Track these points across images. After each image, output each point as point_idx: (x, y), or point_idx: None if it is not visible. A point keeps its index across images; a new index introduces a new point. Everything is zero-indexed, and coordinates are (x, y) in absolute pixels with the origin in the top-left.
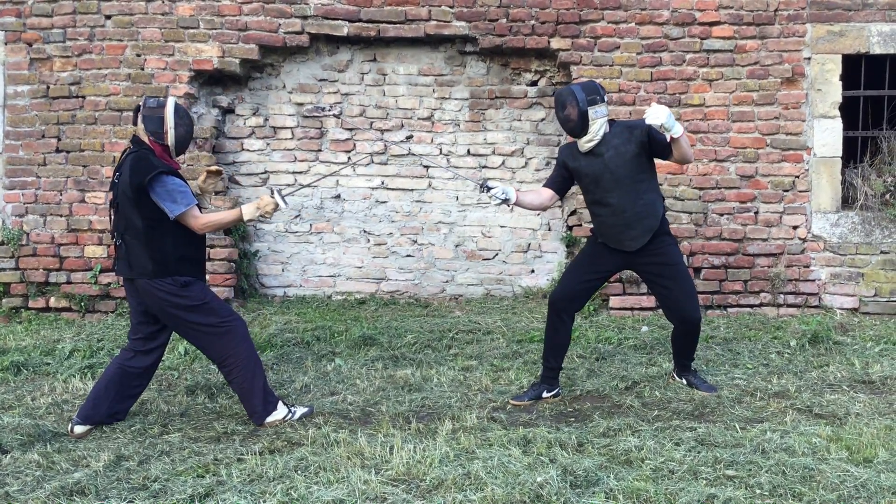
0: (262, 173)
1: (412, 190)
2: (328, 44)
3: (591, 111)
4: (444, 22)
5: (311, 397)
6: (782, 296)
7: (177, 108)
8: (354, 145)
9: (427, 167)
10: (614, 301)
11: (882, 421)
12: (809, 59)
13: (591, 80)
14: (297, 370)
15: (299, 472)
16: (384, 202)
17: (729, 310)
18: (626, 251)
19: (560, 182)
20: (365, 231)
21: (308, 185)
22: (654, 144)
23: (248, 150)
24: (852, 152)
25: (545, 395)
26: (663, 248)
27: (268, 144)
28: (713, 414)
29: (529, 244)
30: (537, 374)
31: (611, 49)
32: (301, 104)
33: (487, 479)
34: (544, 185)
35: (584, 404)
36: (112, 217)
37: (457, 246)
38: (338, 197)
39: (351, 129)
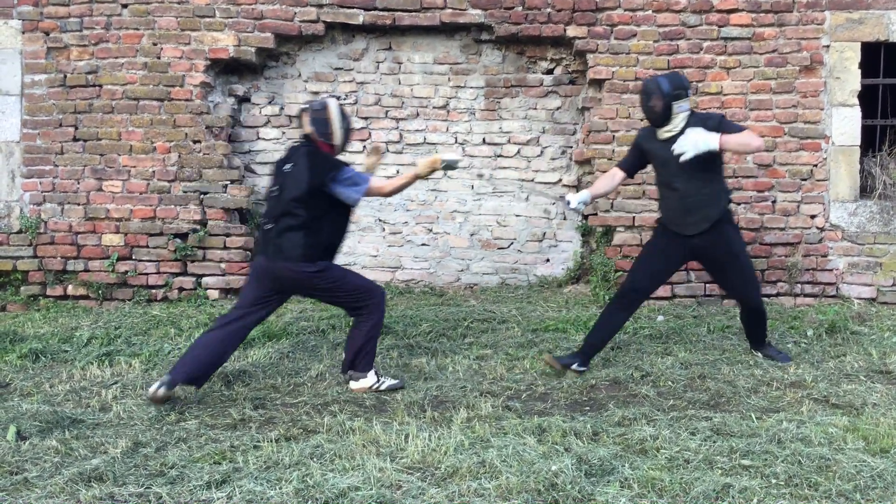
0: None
1: (427, 179)
2: (343, 32)
3: (676, 105)
4: (460, 10)
5: (327, 385)
6: (799, 285)
7: (339, 108)
8: (370, 134)
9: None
10: None
11: None
12: (828, 46)
13: (676, 73)
14: (312, 358)
15: (315, 459)
16: None
17: None
18: (686, 235)
19: (633, 163)
20: (380, 220)
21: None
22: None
23: (263, 138)
24: (871, 141)
25: (575, 367)
26: (723, 236)
27: (283, 133)
28: (729, 403)
29: (545, 233)
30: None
31: (627, 37)
32: (317, 93)
33: (502, 468)
34: (617, 166)
35: (599, 393)
36: (270, 203)
37: (472, 235)
38: None
39: (366, 118)
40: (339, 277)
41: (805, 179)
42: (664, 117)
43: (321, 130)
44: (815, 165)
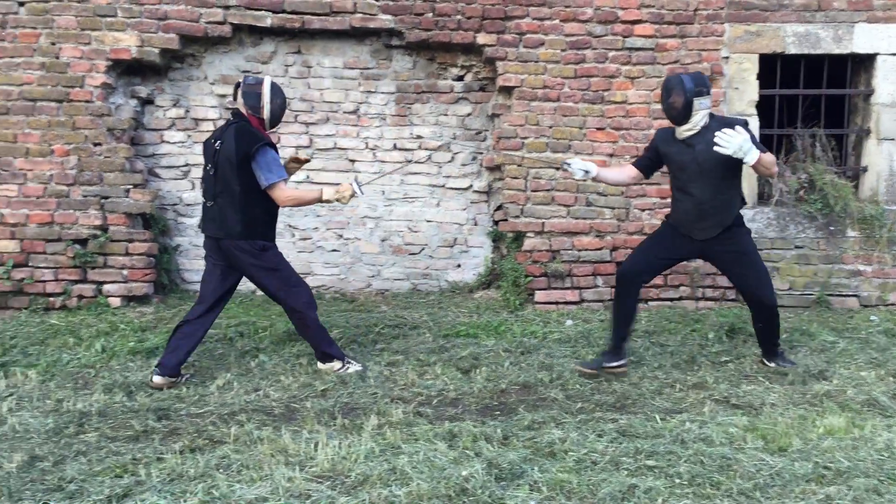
0: (182, 166)
1: (338, 184)
2: (251, 35)
3: (696, 101)
4: (370, 15)
5: (234, 394)
6: (701, 289)
7: (273, 85)
8: (279, 138)
9: (353, 161)
10: (539, 295)
11: (796, 411)
12: (727, 58)
13: (699, 72)
14: (219, 367)
15: (221, 470)
16: None
17: (650, 303)
18: (695, 239)
19: (648, 163)
20: (290, 226)
21: (386, 174)
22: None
23: (168, 142)
24: (768, 149)
25: (606, 364)
26: (735, 237)
27: (189, 136)
28: (634, 405)
29: (455, 239)
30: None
31: (536, 45)
32: (223, 96)
33: (413, 474)
34: (631, 163)
35: (509, 398)
36: (207, 181)
37: (383, 240)
38: None
39: None
40: (277, 261)
41: None
42: (684, 114)
43: (251, 104)
44: None
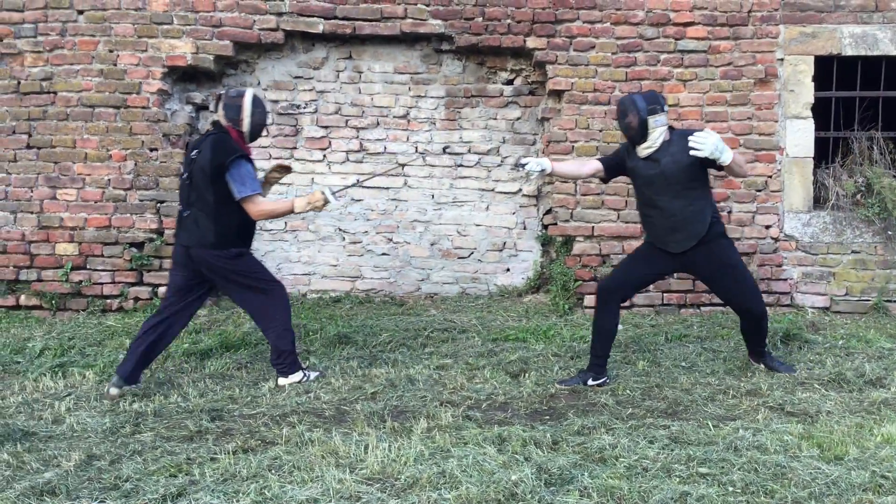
0: None
1: (388, 188)
2: (303, 41)
3: (651, 120)
4: (420, 20)
5: (285, 396)
6: None
7: (254, 98)
8: (330, 143)
9: (403, 165)
10: (589, 300)
11: (853, 419)
12: (782, 60)
13: (652, 90)
14: (271, 369)
15: (273, 471)
16: (359, 200)
17: (702, 308)
18: (673, 252)
19: (613, 164)
20: (340, 229)
21: (356, 185)
22: (707, 158)
23: None
24: (824, 153)
25: (590, 382)
26: (716, 249)
27: None
28: (686, 412)
29: (505, 243)
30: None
31: (586, 49)
32: (276, 101)
33: (462, 478)
34: (597, 159)
35: (559, 402)
36: (182, 190)
37: (432, 244)
38: None
39: (326, 127)
40: (252, 264)
41: (760, 190)
42: (641, 134)
43: (231, 116)
44: (770, 177)
